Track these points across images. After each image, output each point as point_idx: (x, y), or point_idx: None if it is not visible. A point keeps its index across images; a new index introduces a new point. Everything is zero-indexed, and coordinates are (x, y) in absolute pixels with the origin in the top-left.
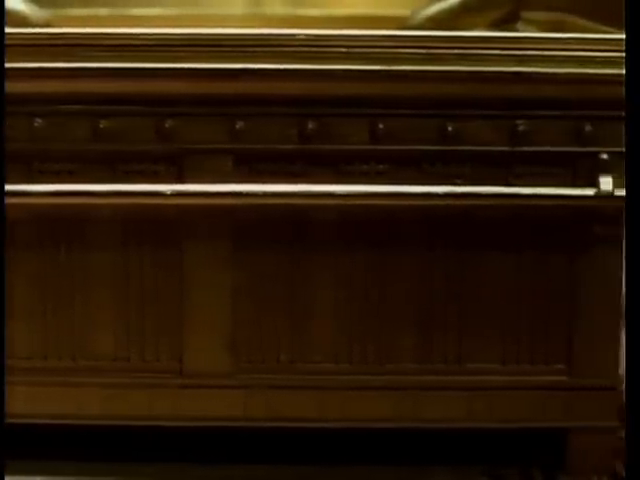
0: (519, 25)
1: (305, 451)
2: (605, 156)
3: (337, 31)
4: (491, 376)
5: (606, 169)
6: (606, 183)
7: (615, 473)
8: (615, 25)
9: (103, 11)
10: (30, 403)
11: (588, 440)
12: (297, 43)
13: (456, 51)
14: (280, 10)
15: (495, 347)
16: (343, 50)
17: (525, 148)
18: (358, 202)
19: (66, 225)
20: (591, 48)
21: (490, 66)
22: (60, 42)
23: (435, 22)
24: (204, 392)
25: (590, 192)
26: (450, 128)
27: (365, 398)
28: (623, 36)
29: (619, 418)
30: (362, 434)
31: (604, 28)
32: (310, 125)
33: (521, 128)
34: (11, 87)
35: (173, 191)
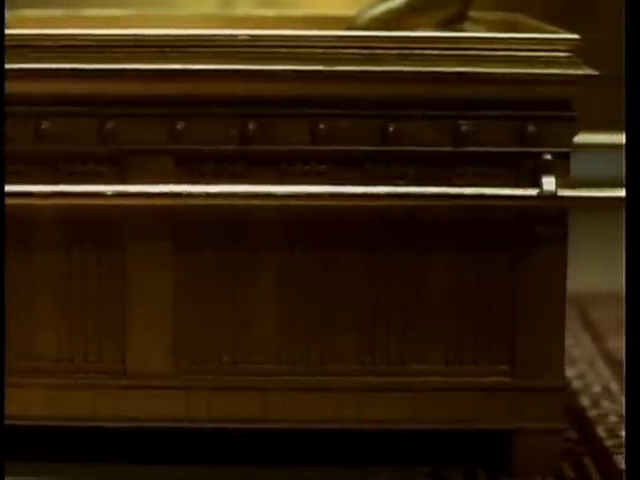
0: (466, 25)
1: (248, 452)
2: (548, 156)
3: (278, 31)
4: (434, 377)
5: (549, 169)
6: (549, 183)
7: (562, 475)
8: (566, 25)
9: (58, 12)
10: None
11: (533, 441)
12: (238, 44)
13: (397, 51)
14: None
15: (438, 348)
16: (284, 50)
17: (468, 148)
18: (299, 203)
19: (8, 226)
20: (535, 48)
21: (432, 66)
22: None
23: (381, 22)
24: (147, 393)
25: (533, 192)
26: (392, 128)
27: (308, 399)
28: (569, 35)
29: (565, 419)
30: (305, 435)
31: (554, 28)
32: (251, 126)
33: (464, 128)
34: None
35: (114, 192)
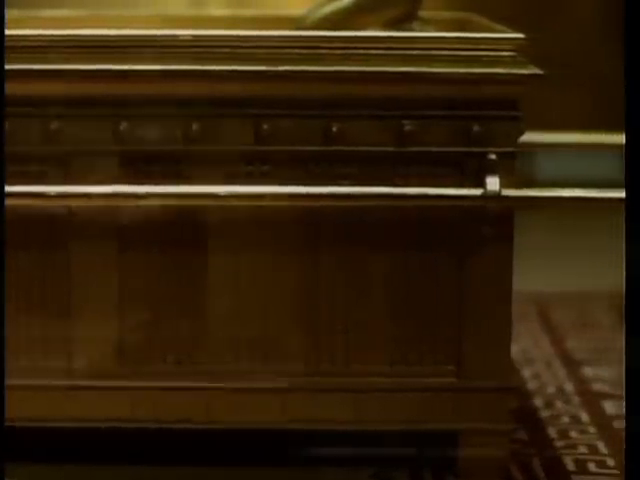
0: (415, 25)
1: (193, 453)
2: (493, 156)
3: (221, 31)
4: (379, 378)
5: (493, 169)
6: (493, 183)
7: (509, 476)
8: (516, 24)
9: (13, 13)
10: None
11: (479, 442)
12: (181, 44)
13: (341, 51)
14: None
15: (383, 349)
16: (227, 51)
17: (412, 149)
18: (243, 203)
19: None
20: (479, 47)
21: (376, 66)
22: None
23: (330, 22)
24: (91, 393)
25: (477, 192)
26: (335, 129)
27: (252, 399)
28: (513, 35)
29: (512, 420)
30: (250, 435)
31: (502, 28)
32: (194, 126)
33: (408, 128)
34: None
35: (59, 192)
